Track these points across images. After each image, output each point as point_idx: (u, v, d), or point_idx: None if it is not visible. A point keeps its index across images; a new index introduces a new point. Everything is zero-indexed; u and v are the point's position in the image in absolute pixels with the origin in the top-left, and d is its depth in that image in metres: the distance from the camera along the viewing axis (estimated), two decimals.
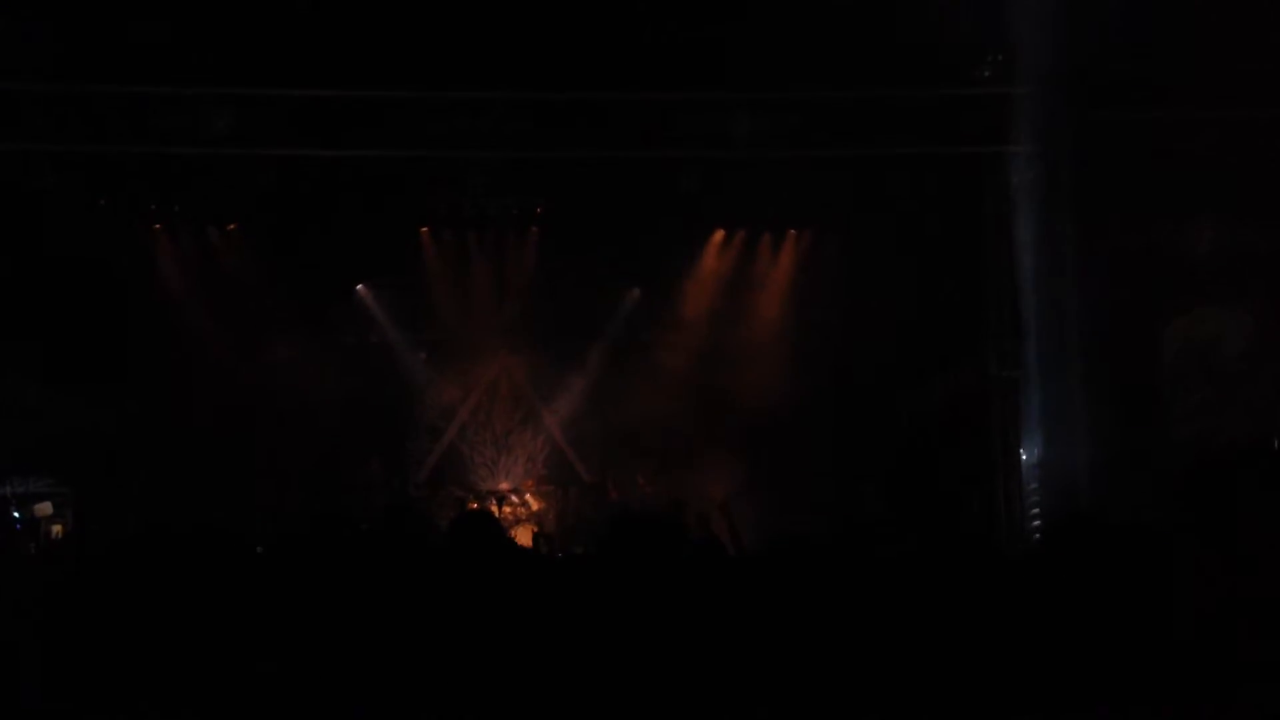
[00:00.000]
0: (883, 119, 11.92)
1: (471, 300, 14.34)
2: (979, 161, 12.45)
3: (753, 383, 13.57)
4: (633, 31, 10.60)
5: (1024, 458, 12.59)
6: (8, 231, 11.65)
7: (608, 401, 14.30)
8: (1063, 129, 11.32)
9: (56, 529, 11.88)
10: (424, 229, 14.06)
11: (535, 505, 14.02)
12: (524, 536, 12.84)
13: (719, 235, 14.24)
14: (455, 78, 11.17)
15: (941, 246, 12.80)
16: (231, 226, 13.60)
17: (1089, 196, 11.38)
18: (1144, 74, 11.02)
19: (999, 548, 5.14)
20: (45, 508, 11.93)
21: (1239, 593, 1.81)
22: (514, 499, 14.04)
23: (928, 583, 2.58)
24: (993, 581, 2.17)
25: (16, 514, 11.84)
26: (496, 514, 12.89)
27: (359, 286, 14.49)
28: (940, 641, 1.96)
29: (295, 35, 10.55)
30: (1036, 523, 12.23)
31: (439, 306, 14.44)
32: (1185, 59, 10.20)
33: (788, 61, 11.01)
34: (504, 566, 3.13)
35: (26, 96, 11.13)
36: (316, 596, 2.83)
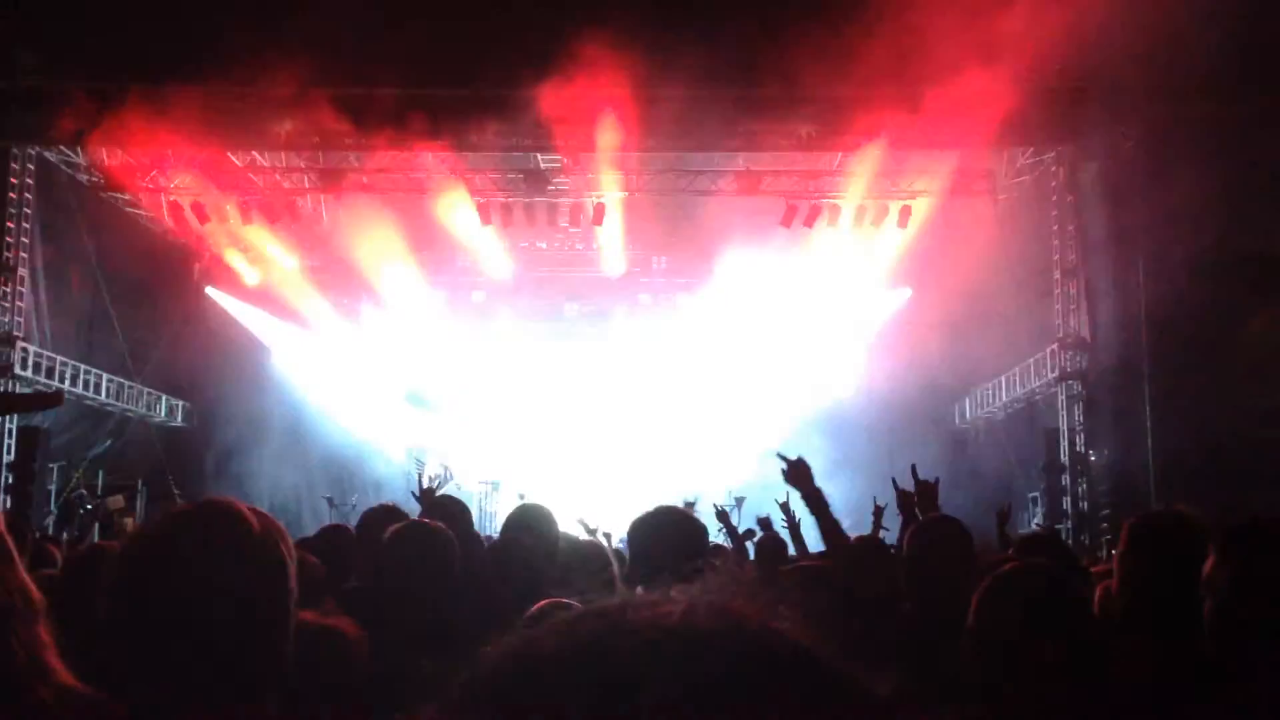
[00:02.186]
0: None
1: None
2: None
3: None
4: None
5: (1092, 459, 12.29)
6: (76, 235, 11.87)
7: None
8: (1136, 122, 11.06)
9: (128, 522, 12.06)
10: None
11: None
12: None
13: None
14: None
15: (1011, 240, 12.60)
16: None
17: (1162, 191, 11.09)
18: (1221, 66, 10.72)
19: (1070, 548, 5.04)
20: (117, 501, 12.12)
21: None
22: None
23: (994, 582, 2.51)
24: (1075, 584, 2.10)
25: (89, 506, 12.04)
26: None
27: None
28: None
29: None
30: (1105, 524, 11.96)
31: None
32: (1264, 52, 9.92)
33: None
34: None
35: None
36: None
